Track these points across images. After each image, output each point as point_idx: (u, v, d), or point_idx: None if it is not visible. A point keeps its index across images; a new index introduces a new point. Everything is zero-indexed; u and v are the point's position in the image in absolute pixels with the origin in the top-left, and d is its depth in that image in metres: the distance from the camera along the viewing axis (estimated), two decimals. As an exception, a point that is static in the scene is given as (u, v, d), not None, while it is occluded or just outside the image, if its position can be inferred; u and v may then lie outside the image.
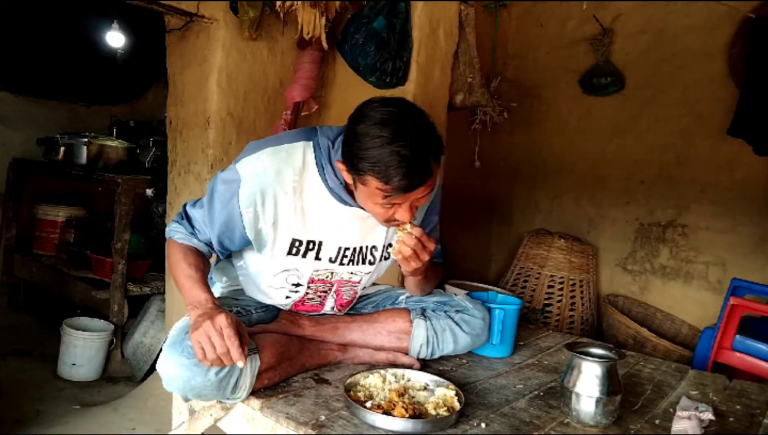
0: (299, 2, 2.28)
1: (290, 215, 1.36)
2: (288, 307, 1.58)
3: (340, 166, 1.30)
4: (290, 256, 1.42)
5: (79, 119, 3.91)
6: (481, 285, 3.12)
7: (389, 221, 1.33)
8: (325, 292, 1.55)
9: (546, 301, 3.39)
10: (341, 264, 1.48)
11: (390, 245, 1.54)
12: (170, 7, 2.21)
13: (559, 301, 3.37)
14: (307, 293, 1.52)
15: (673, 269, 3.36)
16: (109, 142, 3.12)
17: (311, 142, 1.37)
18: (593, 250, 3.57)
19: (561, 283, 3.40)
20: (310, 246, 1.42)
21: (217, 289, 1.62)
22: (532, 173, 3.97)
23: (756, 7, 2.93)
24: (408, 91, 2.51)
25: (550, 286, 3.41)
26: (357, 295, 1.64)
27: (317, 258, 1.44)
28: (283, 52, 2.55)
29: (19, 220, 3.51)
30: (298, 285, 1.49)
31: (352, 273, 1.53)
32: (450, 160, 2.93)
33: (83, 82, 3.90)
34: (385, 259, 1.56)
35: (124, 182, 2.85)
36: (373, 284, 1.77)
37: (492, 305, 1.76)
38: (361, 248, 1.49)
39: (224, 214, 1.35)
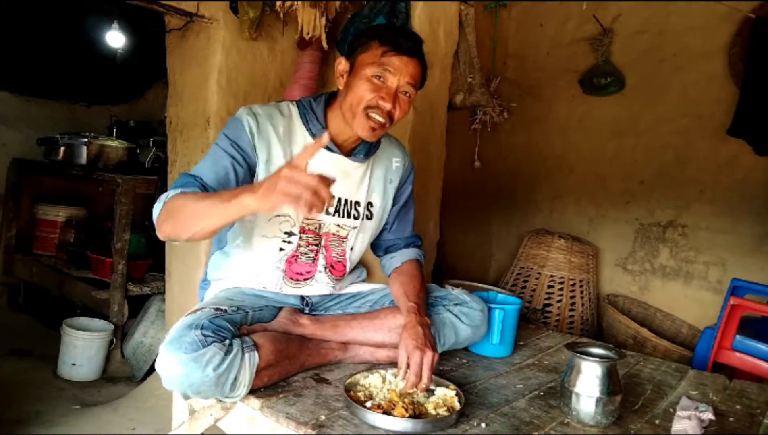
0: (299, 2, 2.28)
1: (281, 157, 1.47)
2: (281, 272, 1.57)
3: (340, 63, 1.50)
4: None
5: (79, 119, 3.92)
6: (481, 285, 3.12)
7: (371, 108, 1.43)
8: (316, 245, 1.58)
9: (546, 301, 3.39)
10: (327, 213, 1.56)
11: (370, 204, 1.63)
12: (170, 7, 2.20)
13: (559, 301, 3.37)
14: (299, 246, 1.55)
15: (673, 269, 3.35)
16: (109, 142, 3.12)
17: (294, 102, 1.57)
18: (593, 250, 3.57)
19: (561, 283, 3.40)
20: None
21: (212, 290, 1.62)
22: (532, 173, 3.97)
23: (756, 7, 2.93)
24: (408, 91, 2.51)
25: (550, 286, 3.41)
26: (347, 262, 1.65)
27: None
28: (283, 52, 2.55)
29: (19, 220, 3.51)
30: (290, 235, 1.53)
31: (339, 226, 1.59)
32: (450, 160, 2.92)
33: (83, 82, 3.90)
34: (368, 218, 1.65)
35: (124, 182, 2.86)
36: (370, 283, 1.79)
37: (492, 305, 1.76)
38: (346, 201, 1.59)
39: (234, 143, 1.43)
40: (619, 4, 3.47)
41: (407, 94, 1.47)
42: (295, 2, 2.27)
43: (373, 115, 1.44)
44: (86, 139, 3.05)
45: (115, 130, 3.39)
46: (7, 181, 3.48)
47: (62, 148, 3.13)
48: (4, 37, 3.43)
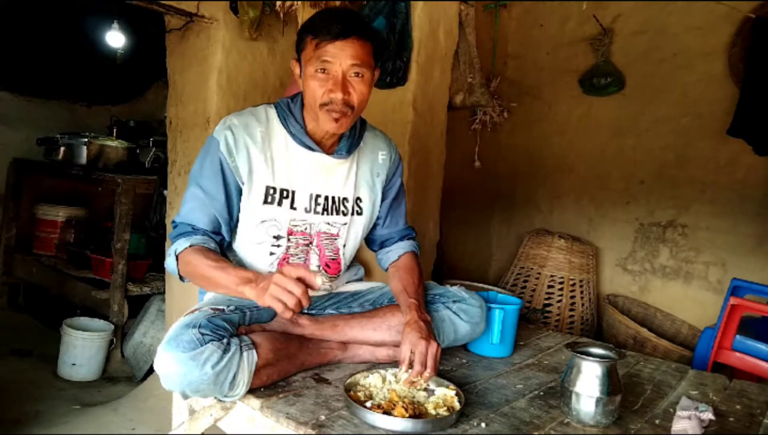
0: (299, 2, 2.28)
1: (262, 164, 1.48)
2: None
3: (294, 66, 1.50)
4: (266, 205, 1.50)
5: (79, 119, 3.92)
6: (481, 285, 3.12)
7: (325, 105, 1.41)
8: (307, 245, 1.57)
9: (546, 301, 3.39)
10: (316, 213, 1.55)
11: (359, 199, 1.62)
12: (170, 7, 2.21)
13: (559, 301, 3.37)
14: (289, 247, 1.55)
15: (673, 269, 3.35)
16: (109, 142, 3.12)
17: (271, 105, 1.56)
18: (593, 250, 3.57)
19: (561, 283, 3.40)
20: (284, 194, 1.51)
21: (211, 292, 1.62)
22: (532, 173, 3.97)
23: (756, 7, 2.93)
24: (408, 90, 2.51)
25: (550, 286, 3.41)
26: (341, 260, 1.64)
27: (292, 207, 1.53)
28: (283, 52, 2.55)
29: (19, 220, 3.51)
30: (278, 238, 1.53)
31: (329, 224, 1.58)
32: (450, 160, 2.93)
33: (83, 82, 3.90)
34: (358, 214, 1.63)
35: (124, 182, 2.86)
36: (368, 282, 1.80)
37: (492, 305, 1.76)
38: (333, 198, 1.58)
39: (218, 176, 1.45)
40: (619, 4, 3.47)
41: (359, 75, 1.41)
42: (295, 2, 2.27)
43: (331, 111, 1.42)
44: (86, 139, 3.05)
45: (115, 130, 3.39)
46: (7, 181, 3.48)
47: (62, 148, 3.14)
48: (4, 37, 3.43)
